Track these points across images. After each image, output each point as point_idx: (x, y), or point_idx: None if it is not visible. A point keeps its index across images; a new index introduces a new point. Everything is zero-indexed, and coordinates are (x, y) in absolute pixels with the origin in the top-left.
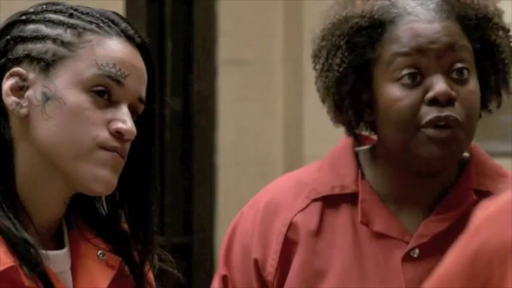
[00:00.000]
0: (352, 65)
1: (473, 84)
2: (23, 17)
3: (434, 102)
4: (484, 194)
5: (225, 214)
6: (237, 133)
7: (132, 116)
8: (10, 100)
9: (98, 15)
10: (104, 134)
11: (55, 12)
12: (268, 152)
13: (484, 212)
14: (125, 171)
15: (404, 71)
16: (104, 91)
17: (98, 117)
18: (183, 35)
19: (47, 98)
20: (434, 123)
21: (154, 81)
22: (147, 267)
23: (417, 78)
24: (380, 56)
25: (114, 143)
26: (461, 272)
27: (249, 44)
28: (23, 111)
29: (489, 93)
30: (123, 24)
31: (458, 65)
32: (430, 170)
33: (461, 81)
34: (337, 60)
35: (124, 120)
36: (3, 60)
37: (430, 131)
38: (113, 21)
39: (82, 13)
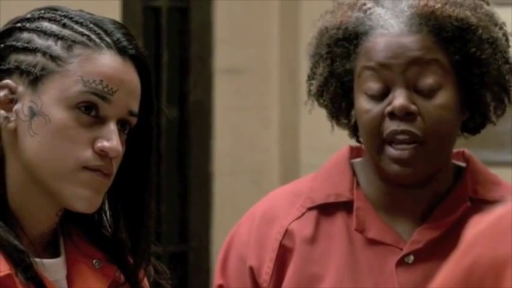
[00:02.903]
0: (334, 74)
1: (442, 98)
2: (19, 24)
3: (393, 116)
4: (479, 202)
5: (221, 222)
6: (233, 141)
7: (125, 128)
8: None
9: (91, 25)
10: (87, 154)
11: (49, 20)
12: (264, 160)
13: (476, 227)
14: (123, 180)
15: (371, 84)
16: (90, 107)
17: (82, 136)
18: (179, 43)
19: (33, 113)
20: (391, 138)
21: (151, 91)
22: (142, 275)
23: (383, 90)
24: (354, 68)
25: (97, 162)
26: None
27: (245, 53)
28: (11, 125)
29: (480, 105)
30: (117, 35)
31: (425, 79)
32: (403, 184)
33: (429, 94)
34: (320, 70)
35: (109, 138)
36: None
37: (391, 151)
38: (106, 31)
39: (76, 22)
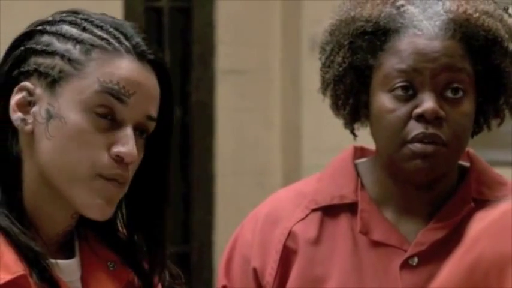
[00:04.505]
0: (352, 66)
1: (466, 106)
2: (39, 27)
3: (421, 118)
4: (483, 202)
5: (224, 223)
6: (236, 142)
7: (144, 133)
8: (15, 116)
9: (111, 29)
10: (103, 159)
11: (70, 23)
12: (266, 161)
13: (480, 223)
14: (140, 185)
15: (398, 84)
16: (106, 113)
17: (98, 140)
18: (181, 44)
19: (50, 116)
20: (419, 140)
21: (171, 96)
22: (156, 280)
23: (410, 91)
24: (380, 65)
25: (113, 170)
26: (458, 284)
27: (247, 53)
28: (28, 127)
29: (488, 114)
30: (136, 40)
31: (454, 85)
32: (418, 182)
33: (454, 101)
34: (339, 59)
35: (125, 143)
36: (15, 72)
37: (417, 146)
38: (125, 35)
39: (96, 26)
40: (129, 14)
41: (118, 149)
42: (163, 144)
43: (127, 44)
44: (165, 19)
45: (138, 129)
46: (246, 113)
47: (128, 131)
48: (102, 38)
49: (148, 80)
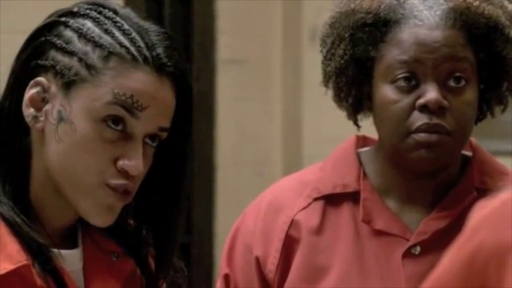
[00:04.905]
0: (354, 58)
1: (469, 95)
2: (63, 19)
3: (424, 108)
4: (485, 192)
5: (224, 214)
6: (236, 133)
7: (155, 141)
8: (28, 112)
9: (133, 35)
10: (110, 171)
11: (94, 21)
12: (267, 151)
13: (480, 213)
14: (151, 182)
15: (400, 75)
16: (117, 124)
17: (105, 151)
18: (182, 34)
19: (61, 118)
20: (423, 130)
21: (190, 106)
22: (161, 282)
23: (412, 82)
24: (382, 57)
25: (119, 181)
26: (458, 273)
27: (248, 44)
28: (39, 125)
29: (491, 101)
30: (158, 50)
31: (456, 74)
32: (422, 171)
33: (457, 90)
34: (340, 52)
35: (132, 157)
36: (33, 62)
37: (421, 135)
38: (147, 44)
39: (119, 29)
40: (129, 4)
41: (124, 162)
42: (180, 150)
43: (147, 54)
44: (166, 9)
45: (149, 138)
46: (247, 104)
47: (137, 145)
48: (122, 45)
49: (164, 93)
